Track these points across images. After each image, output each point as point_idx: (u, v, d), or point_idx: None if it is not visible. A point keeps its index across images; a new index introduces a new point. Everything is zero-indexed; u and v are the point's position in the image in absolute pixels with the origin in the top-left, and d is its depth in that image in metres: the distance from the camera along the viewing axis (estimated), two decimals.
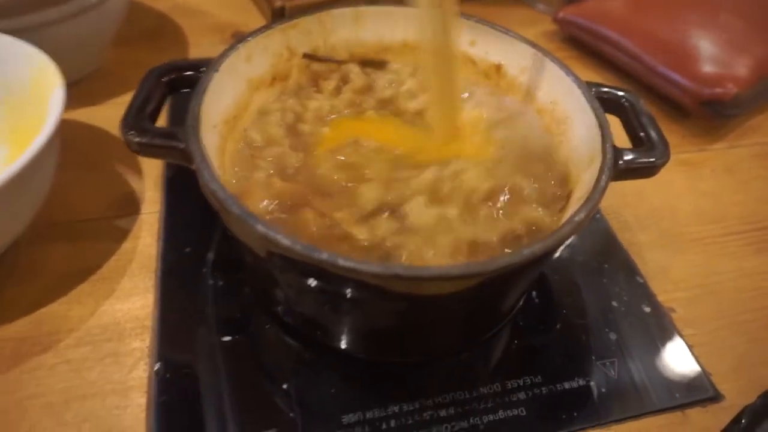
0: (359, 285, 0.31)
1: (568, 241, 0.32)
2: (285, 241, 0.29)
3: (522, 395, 0.39)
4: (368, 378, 0.40)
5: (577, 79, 0.42)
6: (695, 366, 0.41)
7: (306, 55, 0.47)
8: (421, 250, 0.35)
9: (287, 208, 0.37)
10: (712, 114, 0.59)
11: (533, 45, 0.45)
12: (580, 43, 0.71)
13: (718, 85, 0.58)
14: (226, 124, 0.40)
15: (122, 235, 0.46)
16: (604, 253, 0.48)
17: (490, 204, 0.38)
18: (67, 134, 0.53)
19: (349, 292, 0.32)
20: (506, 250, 0.35)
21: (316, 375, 0.39)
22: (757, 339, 0.43)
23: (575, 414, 0.38)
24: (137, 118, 0.36)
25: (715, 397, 0.40)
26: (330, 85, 0.47)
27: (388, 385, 0.39)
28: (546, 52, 0.44)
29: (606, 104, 0.41)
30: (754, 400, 0.36)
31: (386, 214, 0.37)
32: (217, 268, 0.44)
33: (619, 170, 0.36)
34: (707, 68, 0.60)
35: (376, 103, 0.46)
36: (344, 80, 0.47)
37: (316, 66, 0.47)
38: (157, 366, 0.38)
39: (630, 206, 0.52)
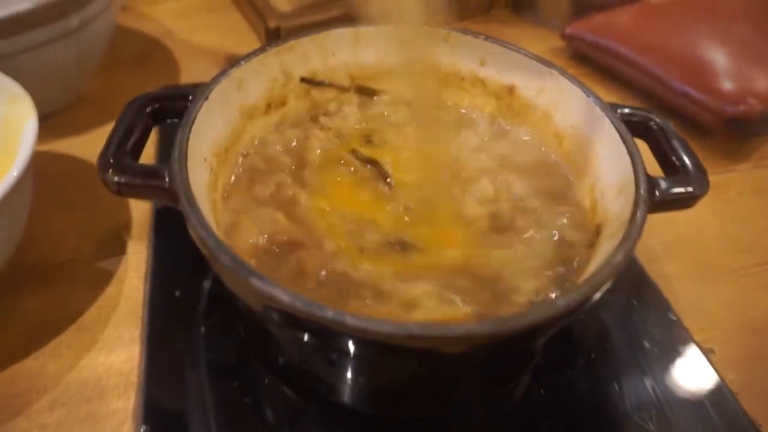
0: (369, 344, 0.27)
1: (606, 288, 0.28)
2: (284, 297, 0.25)
3: None
4: None
5: (598, 101, 0.38)
6: (743, 417, 0.37)
7: (304, 80, 0.43)
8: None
9: (283, 243, 0.34)
10: (735, 132, 0.55)
11: (548, 64, 0.42)
12: (590, 60, 0.68)
13: (740, 101, 0.55)
14: (217, 156, 0.37)
15: (105, 278, 0.42)
16: (632, 287, 0.44)
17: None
18: (44, 168, 0.49)
19: (357, 350, 0.28)
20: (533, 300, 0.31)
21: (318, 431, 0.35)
22: None
23: None
24: (117, 154, 0.33)
25: None
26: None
27: None
28: (563, 71, 0.41)
29: (632, 127, 0.37)
30: None
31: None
32: (210, 314, 0.40)
33: (654, 202, 0.33)
34: (727, 84, 0.57)
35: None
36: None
37: (315, 93, 0.44)
38: (142, 429, 0.34)
39: (655, 234, 0.49)
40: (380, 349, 0.26)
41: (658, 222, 0.49)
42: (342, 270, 0.33)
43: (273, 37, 0.65)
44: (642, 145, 0.37)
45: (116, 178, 0.32)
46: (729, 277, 0.46)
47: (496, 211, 0.37)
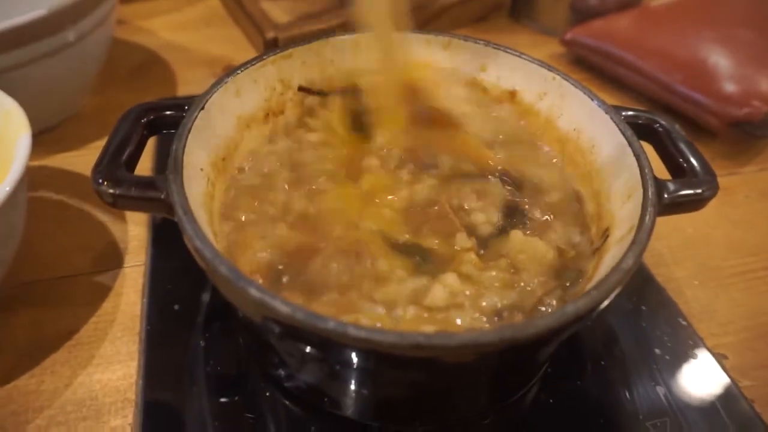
0: (373, 355, 0.26)
1: (615, 293, 0.27)
2: (284, 308, 0.24)
3: None
4: None
5: (603, 104, 0.38)
6: (759, 425, 0.36)
7: (302, 89, 0.43)
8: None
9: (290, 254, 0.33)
10: (740, 135, 0.55)
11: (550, 68, 0.41)
12: (590, 65, 0.67)
13: (744, 104, 0.54)
14: (214, 167, 0.36)
15: (102, 293, 0.42)
16: (640, 292, 0.43)
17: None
18: (40, 183, 0.49)
19: (360, 362, 0.27)
20: (542, 308, 0.30)
21: None
22: None
23: None
24: (111, 165, 0.32)
25: None
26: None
27: None
28: (566, 76, 0.40)
29: (637, 130, 0.36)
30: None
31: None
32: (209, 328, 0.39)
33: (663, 205, 0.32)
34: (730, 86, 0.56)
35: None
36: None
37: (310, 100, 0.43)
38: None
39: (662, 238, 0.48)
40: (383, 360, 0.26)
41: (665, 226, 0.48)
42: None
43: (270, 47, 0.65)
44: (648, 149, 0.37)
45: (111, 190, 0.31)
46: (737, 281, 0.45)
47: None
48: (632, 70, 0.62)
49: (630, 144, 0.35)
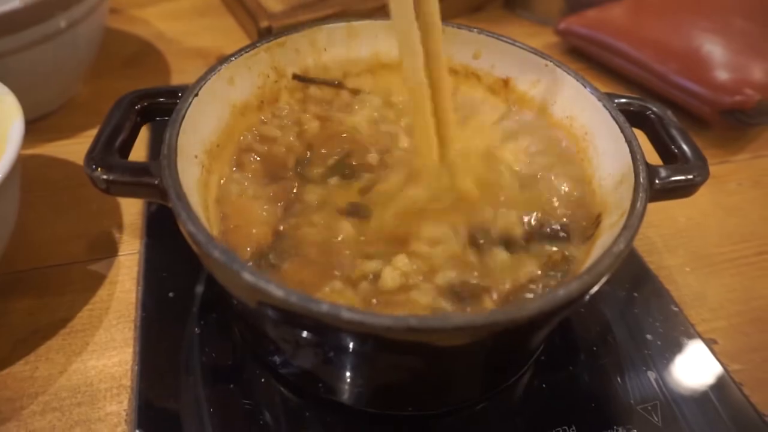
0: (367, 339, 0.26)
1: (606, 277, 0.27)
2: (278, 292, 0.25)
3: None
4: None
5: (596, 91, 0.38)
6: (748, 408, 0.36)
7: (296, 77, 0.43)
8: None
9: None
10: (733, 123, 0.55)
11: (544, 56, 0.41)
12: (585, 55, 0.67)
13: (737, 92, 0.54)
14: (208, 154, 0.36)
15: (97, 281, 0.42)
16: (633, 279, 0.43)
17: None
18: (34, 171, 0.49)
19: (354, 346, 0.27)
20: (529, 295, 0.31)
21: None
22: None
23: None
24: (104, 152, 0.32)
25: None
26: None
27: None
28: (559, 63, 0.40)
29: (629, 117, 0.37)
30: None
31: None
32: (204, 315, 0.39)
33: (655, 191, 0.32)
34: (723, 75, 0.56)
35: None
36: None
37: (313, 90, 0.43)
38: None
39: (654, 226, 0.48)
40: (377, 343, 0.26)
41: (657, 213, 0.49)
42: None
43: (264, 36, 0.64)
44: (640, 135, 0.37)
45: (104, 176, 0.31)
46: (729, 267, 0.45)
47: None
48: (626, 59, 0.62)
49: (622, 130, 0.35)
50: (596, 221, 0.34)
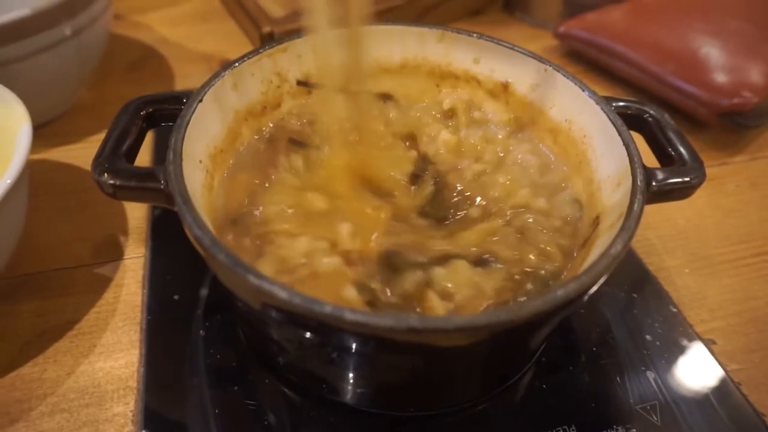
0: (369, 339, 0.26)
1: (604, 278, 0.28)
2: (282, 293, 0.25)
3: None
4: None
5: (594, 95, 0.38)
6: (746, 407, 0.37)
7: (300, 83, 0.43)
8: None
9: None
10: (731, 125, 0.55)
11: (542, 60, 0.42)
12: (584, 58, 0.68)
13: (735, 94, 0.55)
14: (212, 159, 0.37)
15: (103, 283, 0.42)
16: (632, 281, 0.44)
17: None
18: (40, 176, 0.50)
19: (357, 347, 0.28)
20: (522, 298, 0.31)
21: None
22: None
23: None
24: (111, 157, 0.32)
25: None
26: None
27: None
28: (558, 67, 0.41)
29: (627, 120, 0.37)
30: None
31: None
32: (209, 317, 0.40)
33: (652, 193, 0.33)
34: (721, 77, 0.57)
35: None
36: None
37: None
38: None
39: (653, 227, 0.49)
40: (379, 344, 0.26)
41: (656, 216, 0.49)
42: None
43: (267, 42, 0.65)
44: (638, 138, 0.37)
45: (111, 181, 0.31)
46: (727, 269, 0.46)
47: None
48: (625, 62, 0.63)
49: (620, 133, 0.35)
50: (594, 223, 0.35)
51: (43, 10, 0.44)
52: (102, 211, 0.47)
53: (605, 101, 0.38)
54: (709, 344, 0.40)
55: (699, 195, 0.51)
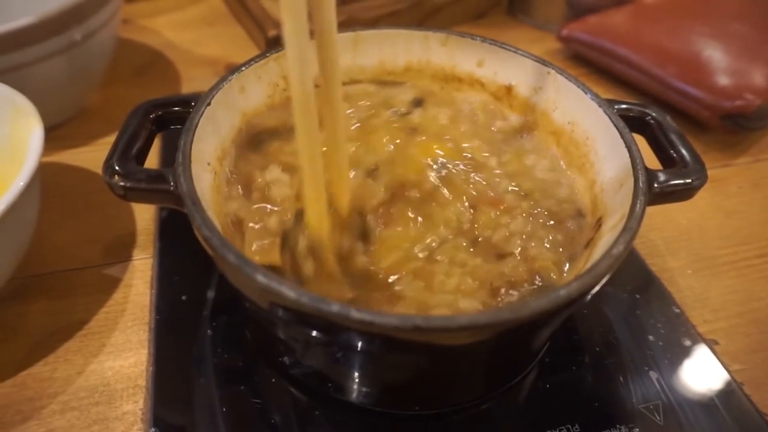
0: (374, 338, 0.27)
1: (606, 278, 0.28)
2: (290, 293, 0.26)
3: None
4: None
5: (596, 97, 0.39)
6: (749, 407, 0.37)
7: None
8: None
9: None
10: (733, 128, 0.56)
11: (545, 63, 0.42)
12: (587, 61, 0.68)
13: (737, 96, 0.55)
14: (220, 161, 0.37)
15: (112, 284, 0.43)
16: (635, 282, 0.44)
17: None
18: (50, 178, 0.50)
19: (362, 345, 0.28)
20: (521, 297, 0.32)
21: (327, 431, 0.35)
22: None
23: None
24: (122, 159, 0.33)
25: None
26: None
27: None
28: (560, 70, 0.41)
29: (629, 122, 0.38)
30: None
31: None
32: (216, 317, 0.41)
33: (654, 194, 0.33)
34: (724, 80, 0.57)
35: None
36: None
37: None
38: None
39: (656, 229, 0.49)
40: (385, 342, 0.27)
41: (659, 217, 0.50)
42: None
43: (272, 45, 0.66)
44: (640, 141, 0.38)
45: (122, 183, 0.32)
46: (730, 270, 0.46)
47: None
48: (627, 64, 0.63)
49: (622, 136, 0.36)
50: (597, 224, 0.35)
51: (55, 15, 0.45)
52: (110, 213, 0.48)
53: (608, 104, 0.38)
54: (711, 345, 0.40)
55: (701, 196, 0.51)
